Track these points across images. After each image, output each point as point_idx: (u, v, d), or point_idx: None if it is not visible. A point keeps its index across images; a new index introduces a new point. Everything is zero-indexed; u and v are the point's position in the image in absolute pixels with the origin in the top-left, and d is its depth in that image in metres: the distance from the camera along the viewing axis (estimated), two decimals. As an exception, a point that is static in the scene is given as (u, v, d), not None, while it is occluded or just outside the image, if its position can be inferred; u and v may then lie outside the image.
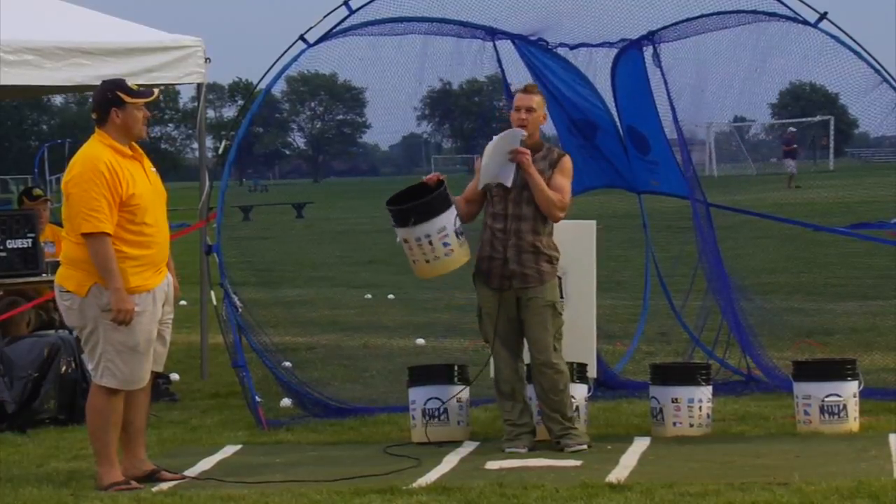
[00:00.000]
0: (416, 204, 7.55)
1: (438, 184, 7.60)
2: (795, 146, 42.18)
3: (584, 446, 7.50)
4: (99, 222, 6.76)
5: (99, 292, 6.83)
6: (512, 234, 7.64)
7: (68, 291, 6.91)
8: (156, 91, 7.16)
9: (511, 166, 7.63)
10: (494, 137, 7.75)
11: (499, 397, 7.76)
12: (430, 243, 7.58)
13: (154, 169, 7.12)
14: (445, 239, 7.57)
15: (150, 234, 6.93)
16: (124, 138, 6.96)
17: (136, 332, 6.86)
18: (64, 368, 8.89)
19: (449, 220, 7.58)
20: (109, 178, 6.81)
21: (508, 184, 7.63)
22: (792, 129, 43.92)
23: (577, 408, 7.73)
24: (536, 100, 7.74)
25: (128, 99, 6.94)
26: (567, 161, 7.76)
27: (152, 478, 7.07)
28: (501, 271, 7.66)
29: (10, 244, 9.72)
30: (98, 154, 6.89)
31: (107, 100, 6.97)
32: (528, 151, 7.64)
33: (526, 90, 7.82)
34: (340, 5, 8.72)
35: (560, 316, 7.64)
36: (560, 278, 7.69)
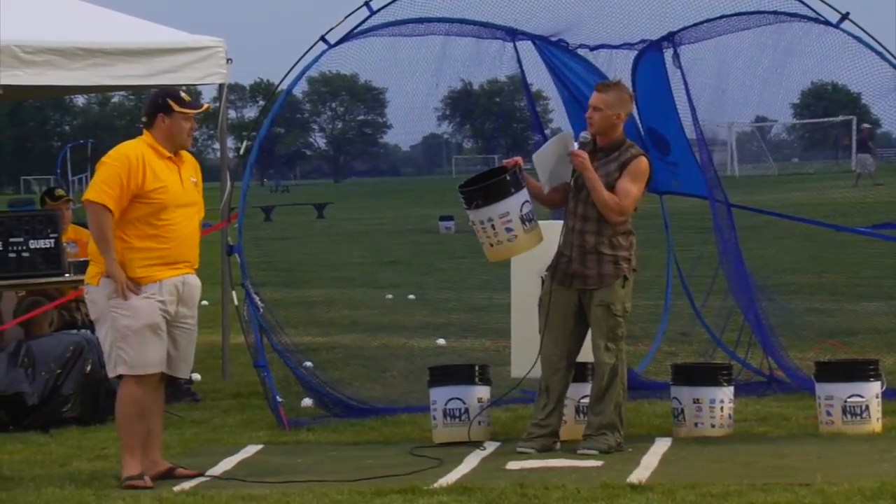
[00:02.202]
0: (479, 187, 7.60)
1: (510, 169, 7.61)
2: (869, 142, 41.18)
3: (594, 452, 7.46)
4: (104, 194, 6.96)
5: (106, 282, 7.00)
6: (577, 235, 7.64)
7: (88, 284, 7.13)
8: (205, 104, 7.32)
9: (571, 167, 7.67)
10: (545, 143, 7.80)
11: (538, 390, 7.76)
12: (493, 227, 7.60)
13: (195, 180, 7.23)
14: (508, 224, 7.58)
15: (162, 227, 7.02)
16: (168, 144, 7.14)
17: (139, 316, 6.98)
18: (88, 368, 8.93)
19: (514, 205, 7.57)
20: (134, 165, 7.00)
21: (570, 181, 7.67)
22: (866, 125, 42.87)
23: (621, 413, 7.64)
24: (606, 99, 7.64)
25: (176, 108, 7.10)
26: (638, 163, 7.63)
27: (170, 476, 7.13)
28: (566, 269, 7.67)
29: (33, 244, 9.76)
30: (133, 146, 7.14)
31: (156, 105, 7.16)
32: (584, 154, 7.61)
33: (597, 88, 7.75)
34: (361, 6, 8.73)
35: (615, 317, 7.58)
36: (626, 277, 7.65)
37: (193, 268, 7.20)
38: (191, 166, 7.24)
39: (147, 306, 6.99)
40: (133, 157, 7.01)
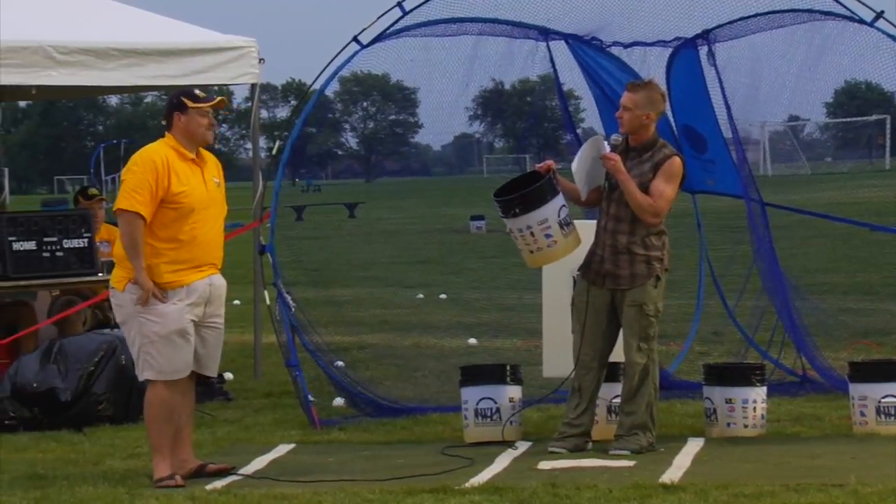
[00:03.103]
0: (517, 195, 7.56)
1: (546, 173, 7.58)
2: None
3: (626, 452, 7.44)
4: (136, 202, 6.97)
5: (134, 288, 7.01)
6: (609, 234, 7.63)
7: (113, 288, 7.15)
8: (217, 98, 7.29)
9: (604, 169, 7.67)
10: (579, 150, 7.79)
11: (570, 390, 7.75)
12: (532, 234, 7.58)
13: (218, 180, 7.24)
14: (548, 231, 7.56)
15: (189, 231, 7.02)
16: (189, 143, 7.15)
17: (167, 322, 6.99)
18: (121, 367, 8.96)
19: (551, 211, 7.56)
20: (161, 169, 7.02)
21: (604, 183, 7.67)
22: None
23: (653, 413, 7.61)
24: (636, 98, 7.61)
25: (190, 104, 7.13)
26: (672, 164, 7.60)
27: (201, 473, 7.15)
28: (598, 268, 7.66)
29: (67, 244, 9.82)
30: (156, 149, 7.15)
31: (172, 105, 7.21)
32: (616, 157, 7.59)
33: (628, 87, 7.73)
34: (394, 6, 8.73)
35: (648, 317, 7.55)
36: (659, 277, 7.62)
37: (218, 268, 7.21)
38: (213, 166, 7.25)
39: (175, 312, 7.00)
40: (158, 161, 7.03)
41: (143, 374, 7.10)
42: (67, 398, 8.77)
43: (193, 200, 7.05)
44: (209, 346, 7.17)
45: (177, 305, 7.01)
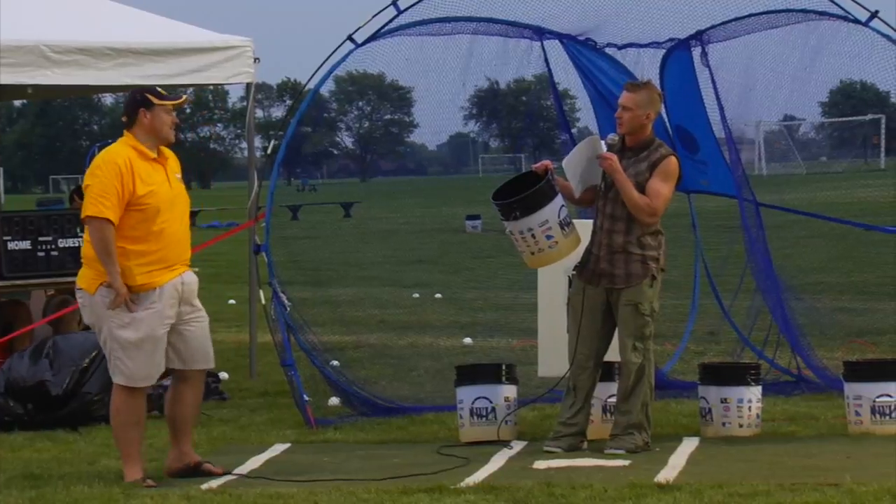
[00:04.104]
0: (518, 198, 7.54)
1: (543, 174, 7.57)
2: None
3: (621, 451, 7.45)
4: (104, 207, 6.90)
5: (106, 292, 6.94)
6: (605, 234, 7.63)
7: (81, 289, 7.06)
8: (183, 96, 7.24)
9: (601, 169, 7.66)
10: (572, 149, 7.79)
11: (565, 389, 7.75)
12: (534, 236, 7.56)
13: (179, 175, 7.20)
14: (549, 232, 7.55)
15: (158, 231, 6.97)
16: (152, 141, 7.07)
17: (139, 329, 6.93)
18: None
19: (552, 212, 7.54)
20: (125, 172, 6.94)
21: (599, 183, 7.66)
22: None
23: (648, 413, 7.61)
24: (636, 98, 7.60)
25: (156, 101, 7.05)
26: (668, 163, 7.60)
27: (197, 470, 7.14)
28: (594, 268, 7.66)
29: (62, 243, 9.82)
30: (118, 151, 7.06)
31: (135, 101, 7.09)
32: (613, 157, 7.59)
33: (627, 87, 7.72)
34: (388, 5, 8.74)
35: (643, 316, 7.55)
36: (654, 277, 7.62)
37: (188, 265, 7.16)
38: (174, 163, 7.19)
39: (148, 317, 6.94)
40: (122, 163, 6.95)
41: (115, 378, 7.06)
42: (58, 392, 8.74)
43: (159, 200, 6.99)
44: (196, 341, 7.11)
45: (149, 311, 6.94)
